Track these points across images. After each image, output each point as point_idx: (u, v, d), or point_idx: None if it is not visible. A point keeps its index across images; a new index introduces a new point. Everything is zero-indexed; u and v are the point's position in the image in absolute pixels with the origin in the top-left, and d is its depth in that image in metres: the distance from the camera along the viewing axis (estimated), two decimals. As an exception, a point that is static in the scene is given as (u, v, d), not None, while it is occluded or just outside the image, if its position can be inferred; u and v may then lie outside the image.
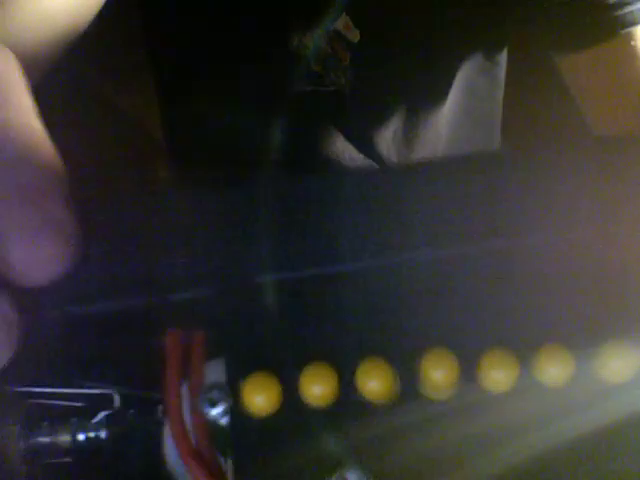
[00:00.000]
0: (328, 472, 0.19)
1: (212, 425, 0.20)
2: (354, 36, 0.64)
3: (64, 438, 0.21)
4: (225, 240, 0.21)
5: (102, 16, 0.57)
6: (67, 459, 0.21)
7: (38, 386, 0.21)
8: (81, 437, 0.21)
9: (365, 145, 0.71)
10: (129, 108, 0.85)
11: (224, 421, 0.20)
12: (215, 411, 0.20)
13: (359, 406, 0.20)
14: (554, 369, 0.20)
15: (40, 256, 0.19)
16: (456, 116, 0.71)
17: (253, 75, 0.67)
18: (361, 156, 0.71)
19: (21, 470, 0.20)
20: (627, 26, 0.51)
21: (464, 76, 0.68)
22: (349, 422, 0.20)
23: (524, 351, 0.20)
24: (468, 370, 0.20)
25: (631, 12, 0.51)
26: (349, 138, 0.70)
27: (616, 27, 0.51)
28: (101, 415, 0.21)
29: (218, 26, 0.67)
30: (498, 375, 0.20)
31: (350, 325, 0.21)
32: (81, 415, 0.21)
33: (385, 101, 0.68)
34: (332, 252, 0.21)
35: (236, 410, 0.20)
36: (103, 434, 0.21)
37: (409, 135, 0.70)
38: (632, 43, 0.52)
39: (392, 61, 0.65)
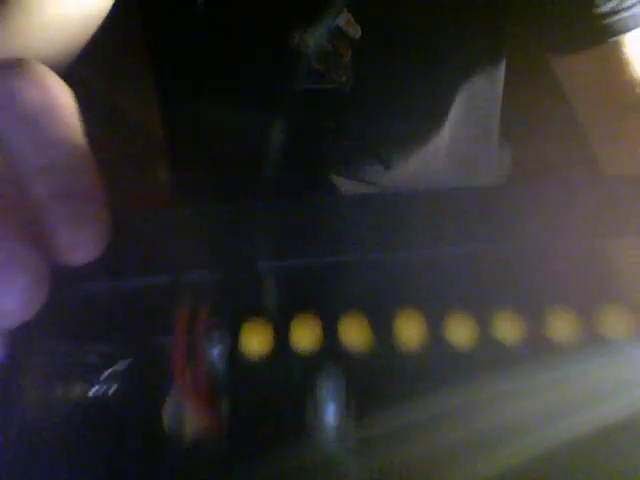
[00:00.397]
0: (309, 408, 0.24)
1: (211, 368, 0.24)
2: (355, 32, 0.64)
3: (76, 392, 0.24)
4: (230, 239, 0.26)
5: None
6: (77, 413, 0.24)
7: (55, 343, 0.25)
8: (91, 392, 0.24)
9: (366, 143, 0.71)
10: (129, 108, 0.85)
11: (221, 363, 0.24)
12: (214, 351, 0.24)
13: (340, 353, 0.25)
14: (508, 330, 0.25)
15: (80, 240, 0.24)
16: (456, 115, 0.71)
17: (253, 75, 0.67)
18: (362, 154, 0.72)
19: (34, 422, 0.23)
20: (618, 33, 0.54)
21: (464, 75, 0.68)
22: (332, 366, 0.24)
23: (484, 314, 0.25)
24: (436, 329, 0.25)
25: (623, 19, 0.54)
26: (350, 136, 0.71)
27: (607, 34, 0.54)
28: (111, 372, 0.25)
29: (218, 26, 0.67)
30: (461, 333, 0.25)
31: (336, 287, 0.26)
32: (93, 372, 0.25)
33: (386, 99, 0.68)
34: (331, 248, 0.26)
35: (233, 353, 0.24)
36: (111, 390, 0.24)
37: (410, 133, 0.70)
38: (623, 49, 0.55)
39: (393, 59, 0.65)
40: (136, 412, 0.23)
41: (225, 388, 0.24)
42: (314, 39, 0.65)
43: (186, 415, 0.23)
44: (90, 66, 0.63)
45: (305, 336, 0.24)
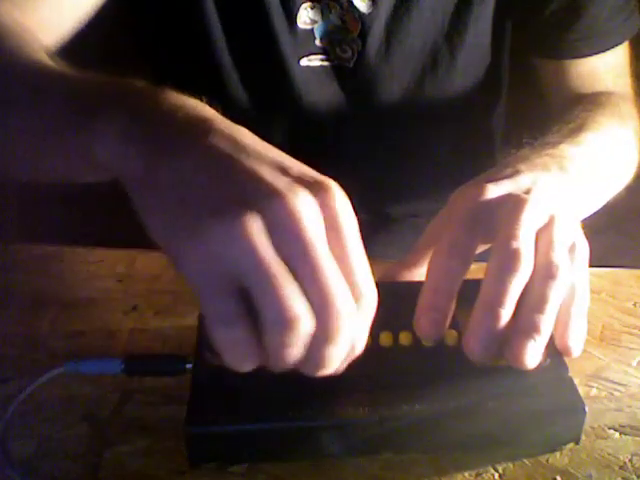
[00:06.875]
0: None
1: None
2: (366, 6, 0.65)
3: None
4: None
5: (102, 17, 0.57)
6: None
7: None
8: None
9: (368, 121, 0.71)
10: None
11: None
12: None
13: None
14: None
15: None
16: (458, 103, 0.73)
17: (258, 55, 0.66)
18: (363, 132, 0.72)
19: None
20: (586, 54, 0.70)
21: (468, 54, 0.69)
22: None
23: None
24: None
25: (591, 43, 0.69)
26: (352, 114, 0.70)
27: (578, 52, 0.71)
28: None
29: (218, 22, 0.66)
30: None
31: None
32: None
33: (389, 76, 0.68)
34: None
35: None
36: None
37: (412, 107, 0.71)
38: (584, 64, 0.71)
39: (400, 35, 0.66)
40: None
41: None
42: (322, 16, 0.64)
43: None
44: (90, 66, 0.63)
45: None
